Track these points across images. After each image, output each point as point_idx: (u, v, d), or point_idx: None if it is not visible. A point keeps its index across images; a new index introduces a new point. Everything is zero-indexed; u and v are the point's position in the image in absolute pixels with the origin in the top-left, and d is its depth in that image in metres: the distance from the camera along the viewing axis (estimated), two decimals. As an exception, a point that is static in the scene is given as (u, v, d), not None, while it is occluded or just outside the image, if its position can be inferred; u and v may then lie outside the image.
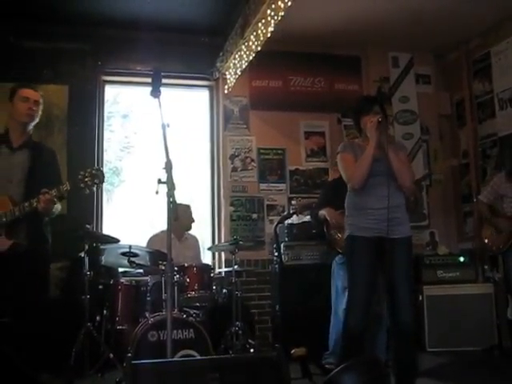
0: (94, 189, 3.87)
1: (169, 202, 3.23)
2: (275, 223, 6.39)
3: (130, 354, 3.93)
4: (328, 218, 4.95)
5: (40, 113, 4.22)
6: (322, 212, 5.07)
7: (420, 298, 6.03)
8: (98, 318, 5.05)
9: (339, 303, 4.84)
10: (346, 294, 4.12)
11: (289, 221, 6.34)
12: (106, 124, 6.98)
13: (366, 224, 3.95)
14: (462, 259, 6.38)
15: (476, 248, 6.43)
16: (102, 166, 6.81)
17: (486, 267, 6.32)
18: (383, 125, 3.96)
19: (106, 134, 7.00)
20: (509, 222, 5.43)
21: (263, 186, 6.96)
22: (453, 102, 7.55)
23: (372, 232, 3.93)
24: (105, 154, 6.94)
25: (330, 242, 5.09)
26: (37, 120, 4.22)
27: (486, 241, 5.57)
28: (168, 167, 3.27)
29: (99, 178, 3.84)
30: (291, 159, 7.11)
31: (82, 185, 3.81)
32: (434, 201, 7.39)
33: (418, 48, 7.29)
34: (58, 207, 4.13)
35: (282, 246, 6.03)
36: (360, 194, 4.01)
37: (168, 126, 3.34)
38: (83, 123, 6.56)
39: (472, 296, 6.08)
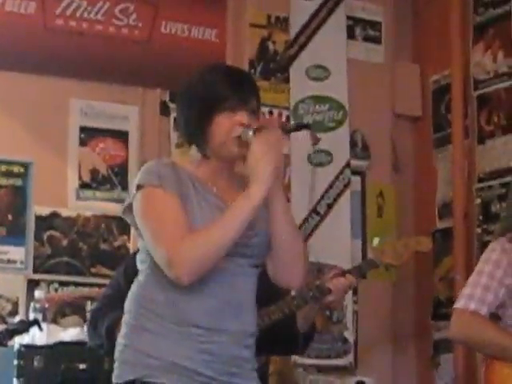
0: None
1: None
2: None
3: None
4: None
5: None
6: None
7: None
8: None
9: None
10: None
11: (26, 338, 4.41)
12: None
13: (186, 361, 2.31)
14: None
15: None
16: None
17: None
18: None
19: None
20: None
21: (-35, 247, 4.67)
22: (427, 89, 5.04)
23: (198, 379, 2.35)
24: None
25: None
26: None
27: None
28: None
29: None
30: (42, 191, 4.68)
31: None
32: (369, 313, 4.71)
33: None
34: None
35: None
36: (180, 289, 2.48)
37: None
38: None
39: None
